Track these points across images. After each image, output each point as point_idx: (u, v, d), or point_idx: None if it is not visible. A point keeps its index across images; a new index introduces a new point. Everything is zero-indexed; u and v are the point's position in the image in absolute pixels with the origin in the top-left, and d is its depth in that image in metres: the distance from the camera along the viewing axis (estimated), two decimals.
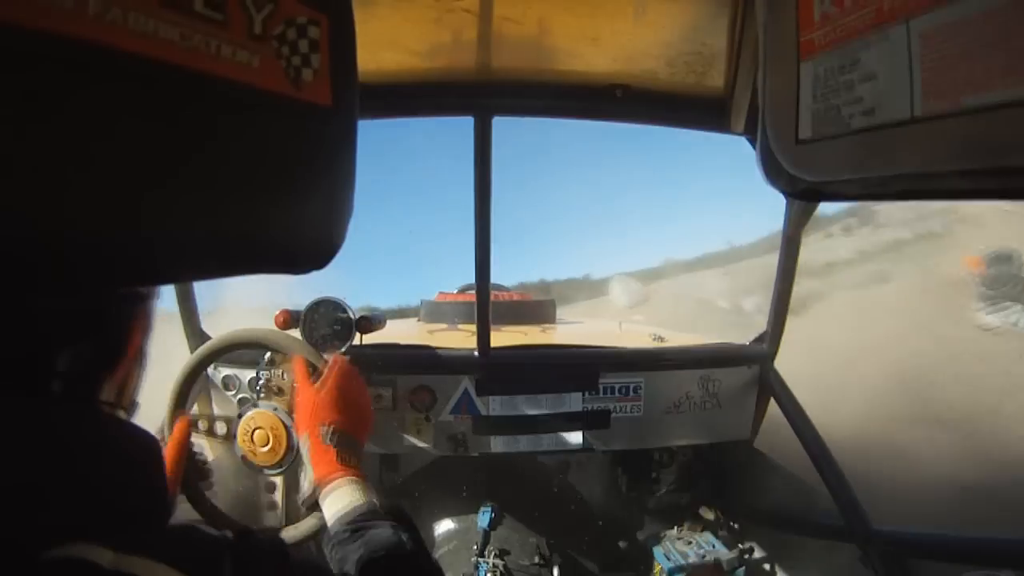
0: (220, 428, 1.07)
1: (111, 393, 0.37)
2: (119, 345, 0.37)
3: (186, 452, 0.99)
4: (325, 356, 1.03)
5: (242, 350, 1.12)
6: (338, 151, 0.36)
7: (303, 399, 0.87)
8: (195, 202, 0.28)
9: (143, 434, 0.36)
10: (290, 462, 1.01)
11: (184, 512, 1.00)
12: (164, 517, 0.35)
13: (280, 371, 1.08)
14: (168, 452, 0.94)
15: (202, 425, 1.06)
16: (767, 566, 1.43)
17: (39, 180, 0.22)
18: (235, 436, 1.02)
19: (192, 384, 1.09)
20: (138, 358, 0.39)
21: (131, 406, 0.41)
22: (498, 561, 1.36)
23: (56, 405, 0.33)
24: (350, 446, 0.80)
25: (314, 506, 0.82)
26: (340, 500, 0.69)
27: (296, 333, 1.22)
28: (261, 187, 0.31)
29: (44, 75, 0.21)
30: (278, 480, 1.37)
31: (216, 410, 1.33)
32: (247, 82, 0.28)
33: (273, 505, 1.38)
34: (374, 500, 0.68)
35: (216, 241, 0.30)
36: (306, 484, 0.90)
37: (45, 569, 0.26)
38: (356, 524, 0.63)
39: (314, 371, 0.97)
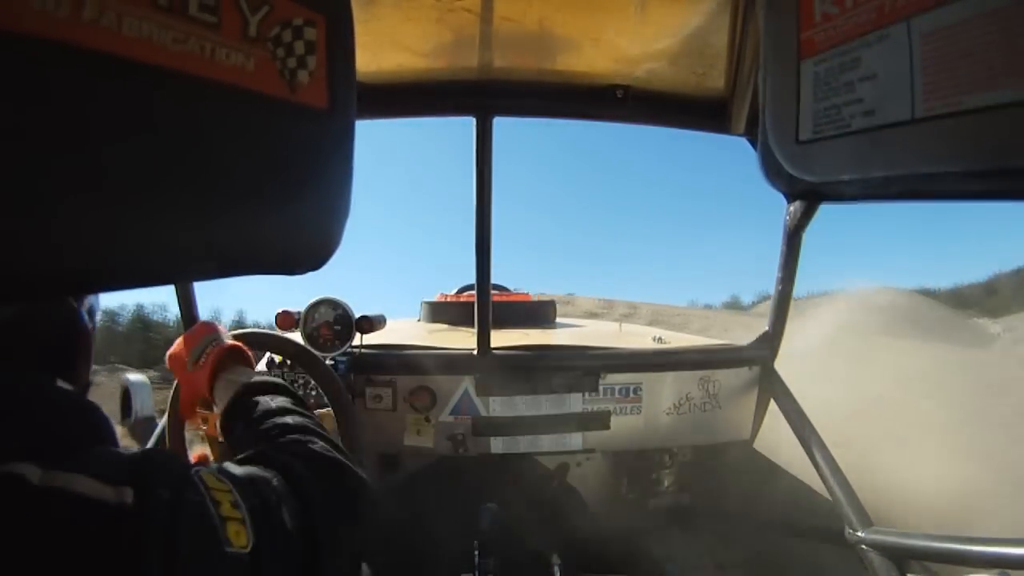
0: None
1: (56, 365, 0.38)
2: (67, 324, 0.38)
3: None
4: (325, 357, 1.02)
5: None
6: (334, 153, 0.36)
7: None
8: (191, 204, 0.28)
9: (88, 403, 0.37)
10: None
11: None
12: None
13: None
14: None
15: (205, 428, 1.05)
16: (766, 567, 1.43)
17: (34, 184, 0.22)
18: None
19: None
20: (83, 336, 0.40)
21: (82, 384, 0.42)
22: (498, 562, 1.36)
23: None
24: (203, 346, 0.75)
25: None
26: (222, 399, 0.67)
27: (296, 333, 1.22)
28: (256, 189, 0.31)
29: (39, 80, 0.21)
30: None
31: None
32: (241, 85, 0.28)
33: None
34: (246, 382, 0.66)
35: (213, 242, 0.30)
36: None
37: None
38: (239, 403, 0.62)
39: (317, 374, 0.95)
